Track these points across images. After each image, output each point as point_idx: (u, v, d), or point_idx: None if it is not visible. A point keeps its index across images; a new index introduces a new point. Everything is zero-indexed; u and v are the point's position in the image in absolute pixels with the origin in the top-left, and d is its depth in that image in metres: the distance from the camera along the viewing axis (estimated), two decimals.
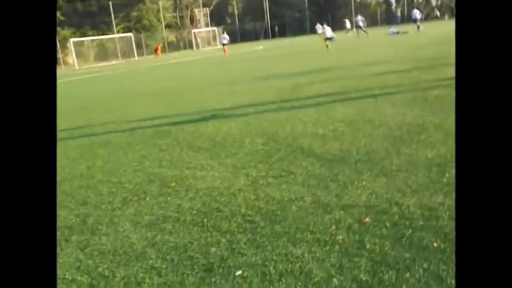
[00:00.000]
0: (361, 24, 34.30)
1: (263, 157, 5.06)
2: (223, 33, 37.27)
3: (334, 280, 2.51)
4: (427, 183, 3.70)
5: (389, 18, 36.37)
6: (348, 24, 41.46)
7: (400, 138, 5.09)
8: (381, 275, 2.50)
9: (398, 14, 69.59)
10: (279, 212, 3.51)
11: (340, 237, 2.99)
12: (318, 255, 2.81)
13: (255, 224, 3.36)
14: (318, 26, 37.98)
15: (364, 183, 3.90)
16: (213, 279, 2.67)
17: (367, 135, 5.38)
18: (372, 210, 3.35)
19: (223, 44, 32.53)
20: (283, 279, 2.58)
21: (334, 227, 3.15)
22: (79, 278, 2.89)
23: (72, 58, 39.86)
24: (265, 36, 56.01)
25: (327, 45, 21.68)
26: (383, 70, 11.46)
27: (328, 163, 4.57)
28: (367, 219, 3.20)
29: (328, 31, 22.53)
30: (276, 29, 64.66)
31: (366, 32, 33.48)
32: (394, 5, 72.27)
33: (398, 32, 32.98)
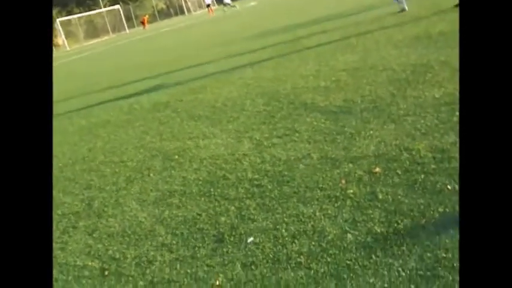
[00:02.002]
0: None
1: (266, 118, 5.01)
2: None
3: (349, 236, 2.50)
4: (436, 125, 3.63)
5: None
6: None
7: (405, 80, 4.99)
8: (395, 224, 2.48)
9: None
10: (286, 173, 3.48)
11: (351, 191, 2.97)
12: (329, 212, 2.79)
13: (263, 187, 3.34)
14: None
15: (371, 132, 3.84)
16: (225, 249, 2.68)
17: (371, 82, 5.27)
18: (381, 159, 3.30)
19: (208, 5, 34.67)
20: (296, 241, 2.58)
21: (344, 181, 3.12)
22: (90, 263, 2.91)
23: (61, 39, 39.49)
24: None
25: None
26: (383, 13, 11.17)
27: (333, 116, 4.50)
28: (377, 169, 3.16)
29: None
30: None
31: None
32: None
33: None
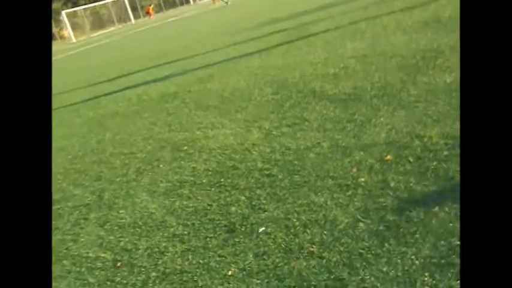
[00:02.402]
0: None
1: (274, 107, 4.99)
2: None
3: (361, 224, 2.49)
4: (448, 111, 3.59)
5: None
6: None
7: (415, 66, 4.94)
8: (408, 212, 2.47)
9: None
10: (296, 162, 3.47)
11: (363, 179, 2.95)
12: (341, 200, 2.78)
13: (273, 177, 3.33)
14: None
15: (382, 119, 3.81)
16: (236, 240, 2.68)
17: (381, 69, 5.23)
18: (392, 146, 3.28)
19: None
20: (308, 230, 2.57)
21: (355, 169, 3.11)
22: (102, 255, 2.93)
23: (67, 31, 39.51)
24: None
25: None
26: None
27: (342, 103, 4.48)
28: (388, 157, 3.14)
29: None
30: None
31: None
32: None
33: None
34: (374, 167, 3.07)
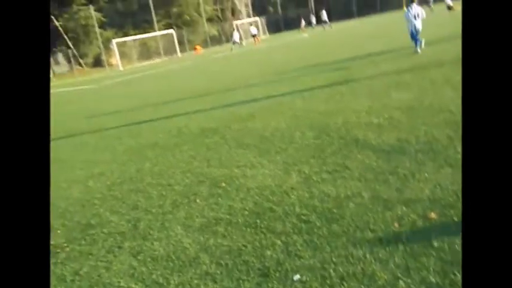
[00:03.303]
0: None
1: (315, 152, 4.98)
2: (250, 25, 43.35)
3: (401, 283, 2.42)
4: None
5: None
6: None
7: None
8: (452, 276, 2.38)
9: None
10: (335, 210, 3.43)
11: (404, 235, 2.88)
12: (380, 255, 2.71)
13: (311, 223, 3.29)
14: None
15: (426, 175, 3.74)
16: (270, 285, 2.64)
17: (427, 123, 5.17)
18: (437, 204, 3.21)
19: (253, 36, 36.95)
20: (344, 283, 2.51)
21: (396, 224, 3.04)
22: (133, 285, 2.93)
23: (116, 59, 40.96)
24: (309, 24, 55.32)
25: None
26: (440, 49, 11.03)
27: (385, 155, 4.43)
28: (432, 215, 3.07)
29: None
30: (321, 15, 63.75)
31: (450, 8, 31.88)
32: None
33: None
34: (417, 224, 3.00)
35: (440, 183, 3.53)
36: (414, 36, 11.65)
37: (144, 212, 4.19)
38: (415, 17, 11.64)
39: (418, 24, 11.62)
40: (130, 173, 5.56)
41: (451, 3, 31.25)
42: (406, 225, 3.00)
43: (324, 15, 41.58)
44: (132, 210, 4.27)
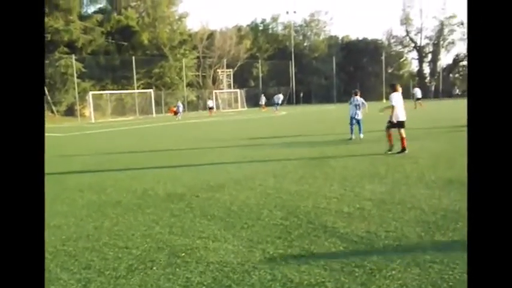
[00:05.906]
0: (418, 95, 35.62)
1: (282, 232, 4.96)
2: (209, 99, 45.91)
3: None
4: (464, 280, 3.52)
5: (423, 93, 36.90)
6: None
7: (434, 224, 4.96)
8: None
9: (432, 88, 70.53)
10: None
11: None
12: None
13: None
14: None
15: (393, 272, 3.74)
16: None
17: (398, 218, 5.25)
18: None
19: (209, 108, 41.12)
20: None
21: None
22: None
23: (89, 111, 40.97)
24: (289, 102, 56.82)
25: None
26: (417, 147, 11.42)
27: (353, 245, 4.44)
28: None
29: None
30: (301, 95, 65.79)
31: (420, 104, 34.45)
32: (428, 78, 73.38)
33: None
34: None
35: (407, 283, 3.53)
36: (352, 123, 14.40)
37: (96, 273, 4.02)
38: (356, 106, 14.43)
39: (359, 114, 14.37)
40: (88, 230, 5.39)
41: (419, 96, 34.30)
42: None
43: (280, 98, 43.87)
44: (84, 270, 4.11)
